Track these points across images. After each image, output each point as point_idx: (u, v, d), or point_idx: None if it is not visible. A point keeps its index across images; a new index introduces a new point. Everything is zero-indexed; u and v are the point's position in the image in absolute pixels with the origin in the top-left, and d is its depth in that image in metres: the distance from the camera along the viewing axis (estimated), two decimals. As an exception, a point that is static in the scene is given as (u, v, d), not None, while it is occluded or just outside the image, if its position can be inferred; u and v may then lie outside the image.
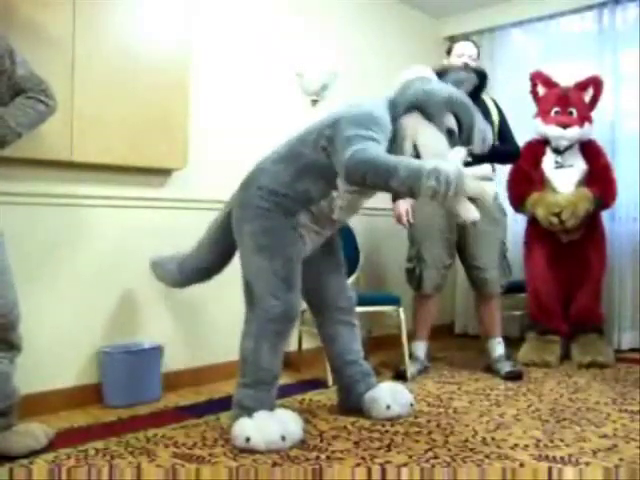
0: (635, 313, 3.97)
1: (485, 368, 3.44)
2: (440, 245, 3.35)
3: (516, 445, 2.23)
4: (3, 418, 2.11)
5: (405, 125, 2.26)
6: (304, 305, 3.35)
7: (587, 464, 2.04)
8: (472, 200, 2.13)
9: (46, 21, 2.49)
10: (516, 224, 4.07)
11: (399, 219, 3.39)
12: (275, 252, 2.28)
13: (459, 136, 2.24)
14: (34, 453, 2.09)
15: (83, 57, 2.61)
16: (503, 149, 3.42)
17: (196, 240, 3.15)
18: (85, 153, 2.64)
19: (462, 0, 4.46)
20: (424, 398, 2.86)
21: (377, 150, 2.10)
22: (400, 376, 3.21)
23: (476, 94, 2.29)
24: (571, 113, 3.71)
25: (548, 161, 3.74)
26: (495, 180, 2.12)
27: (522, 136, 3.66)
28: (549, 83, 3.83)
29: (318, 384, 3.11)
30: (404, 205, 3.36)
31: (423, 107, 2.23)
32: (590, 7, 4.16)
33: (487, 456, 2.11)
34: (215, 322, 3.18)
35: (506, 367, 3.31)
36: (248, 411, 2.23)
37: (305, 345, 3.54)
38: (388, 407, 2.51)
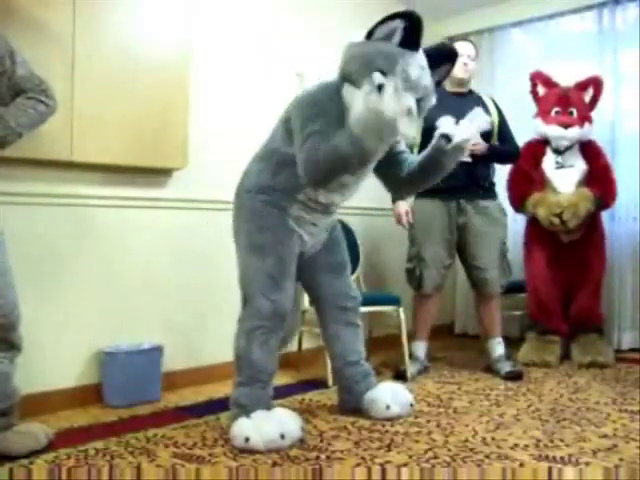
0: (635, 313, 3.97)
1: (485, 368, 3.44)
2: (440, 245, 3.35)
3: (516, 445, 2.23)
4: (3, 418, 2.10)
5: (344, 98, 2.25)
6: (305, 305, 3.36)
7: (587, 464, 2.04)
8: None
9: (46, 21, 2.49)
10: (516, 224, 4.07)
11: (399, 220, 3.39)
12: (267, 251, 2.30)
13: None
14: (34, 453, 2.09)
15: (83, 57, 2.61)
16: (503, 149, 3.43)
17: (196, 240, 3.16)
18: (85, 153, 2.64)
19: (462, 0, 4.46)
20: (424, 398, 2.86)
21: (323, 146, 2.13)
22: (400, 376, 3.21)
23: (413, 39, 2.19)
24: (571, 113, 3.71)
25: (548, 161, 3.74)
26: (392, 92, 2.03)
27: (522, 136, 3.66)
28: (549, 83, 3.83)
29: (318, 384, 3.11)
30: (404, 206, 3.36)
31: (348, 78, 2.23)
32: (590, 7, 4.16)
33: (487, 456, 2.11)
34: (215, 322, 3.17)
35: (506, 367, 3.31)
36: (245, 409, 2.23)
37: (305, 345, 3.54)
38: (388, 407, 2.51)
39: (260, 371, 2.28)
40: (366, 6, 3.98)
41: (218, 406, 2.64)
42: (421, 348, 3.43)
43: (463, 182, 3.28)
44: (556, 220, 3.53)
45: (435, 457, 2.10)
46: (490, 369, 3.39)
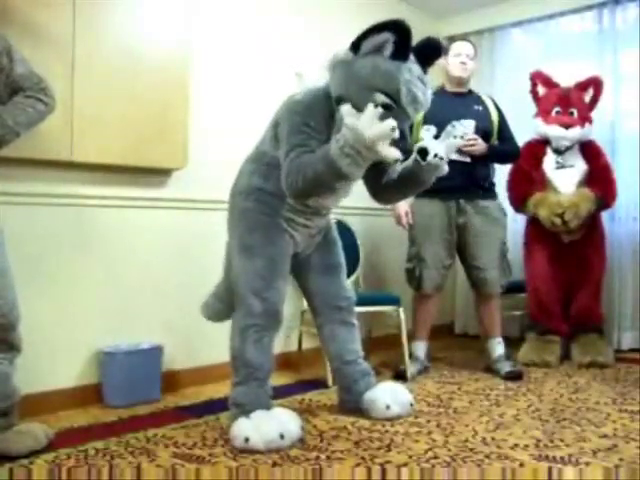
0: (635, 313, 3.96)
1: (485, 368, 3.44)
2: (440, 245, 3.35)
3: (516, 445, 2.23)
4: (3, 418, 2.10)
5: (342, 115, 2.17)
6: (304, 305, 3.36)
7: (587, 464, 2.04)
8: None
9: (46, 21, 2.49)
10: (516, 224, 4.07)
11: (398, 220, 3.39)
12: (258, 252, 2.30)
13: (398, 105, 2.18)
14: (34, 453, 2.09)
15: (83, 57, 2.61)
16: (502, 149, 3.42)
17: (196, 240, 3.16)
18: (85, 153, 2.64)
19: (462, 0, 4.46)
20: (424, 398, 2.86)
21: (305, 160, 2.12)
22: (400, 376, 3.21)
23: (404, 51, 2.17)
24: (572, 113, 3.71)
25: (549, 161, 3.73)
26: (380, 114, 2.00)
27: (522, 136, 3.66)
28: (549, 83, 3.83)
29: (318, 384, 3.11)
30: (403, 206, 3.36)
31: (348, 100, 2.17)
32: (590, 7, 4.16)
33: (487, 456, 2.11)
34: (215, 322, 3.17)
35: (506, 367, 3.31)
36: (243, 408, 2.23)
37: (305, 345, 3.54)
38: (388, 407, 2.51)
39: (256, 369, 2.28)
40: (366, 6, 3.98)
41: (218, 406, 2.64)
42: (421, 348, 3.43)
43: (463, 182, 3.28)
44: (558, 220, 3.53)
45: (435, 457, 2.10)
46: (490, 369, 3.39)
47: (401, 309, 3.30)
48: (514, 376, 3.24)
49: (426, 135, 2.34)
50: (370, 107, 2.00)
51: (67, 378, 2.70)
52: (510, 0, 4.42)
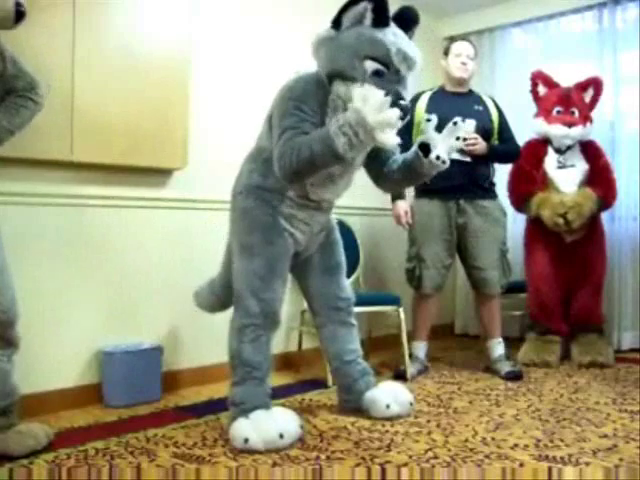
0: (635, 313, 3.96)
1: (485, 368, 3.44)
2: (440, 245, 3.35)
3: (516, 445, 2.23)
4: (4, 417, 2.10)
5: (337, 94, 2.21)
6: (304, 305, 3.36)
7: (587, 464, 2.04)
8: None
9: (46, 21, 2.49)
10: (516, 224, 4.07)
11: (398, 220, 3.39)
12: (256, 252, 2.30)
13: (389, 69, 2.18)
14: (34, 453, 2.09)
15: (83, 57, 2.61)
16: (503, 148, 3.42)
17: (196, 240, 3.16)
18: (85, 153, 2.64)
19: (462, 0, 4.46)
20: (424, 398, 2.86)
21: (298, 141, 2.13)
22: (400, 376, 3.21)
23: (383, 16, 2.16)
24: (573, 113, 3.71)
25: (550, 161, 3.72)
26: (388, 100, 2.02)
27: (522, 136, 3.66)
28: (550, 83, 3.83)
29: (318, 384, 3.11)
30: (403, 206, 3.36)
31: (338, 74, 2.18)
32: (590, 7, 4.16)
33: (487, 456, 2.11)
34: (215, 322, 3.17)
35: (506, 367, 3.31)
36: (240, 407, 2.23)
37: (305, 345, 3.54)
38: (388, 406, 2.51)
39: (253, 368, 2.28)
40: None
41: (218, 406, 2.64)
42: (421, 348, 3.43)
43: (463, 182, 3.28)
44: (560, 221, 3.52)
45: (435, 457, 2.10)
46: (490, 369, 3.39)
47: (401, 309, 3.30)
48: (514, 376, 3.24)
49: (428, 127, 2.33)
50: (380, 94, 2.00)
51: (67, 378, 2.70)
52: (510, 0, 4.42)
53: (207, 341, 3.14)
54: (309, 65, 2.36)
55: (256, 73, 3.41)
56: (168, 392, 2.92)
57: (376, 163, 2.46)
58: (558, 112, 3.72)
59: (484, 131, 3.31)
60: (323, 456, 2.11)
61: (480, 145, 3.24)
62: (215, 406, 2.69)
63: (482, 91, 3.64)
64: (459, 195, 3.33)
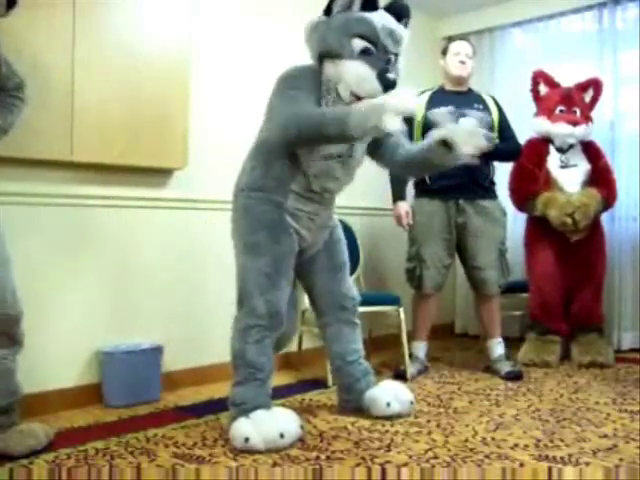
0: (635, 313, 3.96)
1: (485, 368, 3.44)
2: (439, 245, 3.35)
3: (516, 445, 2.23)
4: (6, 416, 2.11)
5: (328, 76, 2.28)
6: (305, 305, 3.36)
7: (587, 464, 2.04)
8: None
9: (46, 21, 2.49)
10: (516, 224, 4.07)
11: (399, 221, 3.39)
12: (262, 250, 2.30)
13: (377, 48, 2.24)
14: (34, 453, 2.09)
15: (83, 57, 2.61)
16: (504, 147, 3.41)
17: (196, 240, 3.16)
18: (85, 153, 2.64)
19: (462, 0, 4.46)
20: (424, 398, 2.86)
21: (302, 107, 2.18)
22: (400, 376, 3.21)
23: (372, 2, 2.26)
24: (575, 112, 3.71)
25: (553, 160, 3.71)
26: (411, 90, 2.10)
27: (522, 135, 3.65)
28: (551, 82, 3.82)
29: (318, 384, 3.11)
30: (404, 206, 3.36)
31: (327, 54, 2.27)
32: (590, 7, 4.16)
33: (487, 456, 2.11)
34: (215, 322, 3.17)
35: (506, 367, 3.31)
36: (241, 407, 2.23)
37: (305, 345, 3.54)
38: (388, 404, 2.51)
39: (257, 370, 2.27)
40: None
41: (218, 406, 2.64)
42: (421, 348, 3.43)
43: (463, 181, 3.28)
44: (569, 220, 3.52)
45: (435, 457, 2.10)
46: (490, 369, 3.39)
47: (401, 309, 3.30)
48: (514, 376, 3.24)
49: (440, 117, 2.33)
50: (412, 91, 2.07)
51: (67, 378, 2.70)
52: (510, 0, 4.42)
53: (207, 341, 3.14)
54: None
55: (256, 73, 3.41)
56: (168, 392, 2.92)
57: (381, 147, 2.49)
58: (561, 111, 3.72)
59: (487, 127, 3.30)
60: (323, 456, 2.11)
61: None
62: (215, 406, 2.69)
63: (482, 91, 3.63)
64: (459, 195, 3.33)
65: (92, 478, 1.91)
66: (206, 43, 3.20)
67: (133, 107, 2.77)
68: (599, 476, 1.94)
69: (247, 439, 2.12)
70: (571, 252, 3.67)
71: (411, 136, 3.13)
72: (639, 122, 3.92)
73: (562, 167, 3.69)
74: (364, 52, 2.22)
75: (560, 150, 3.71)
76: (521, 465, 2.03)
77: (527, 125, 3.86)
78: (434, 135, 2.38)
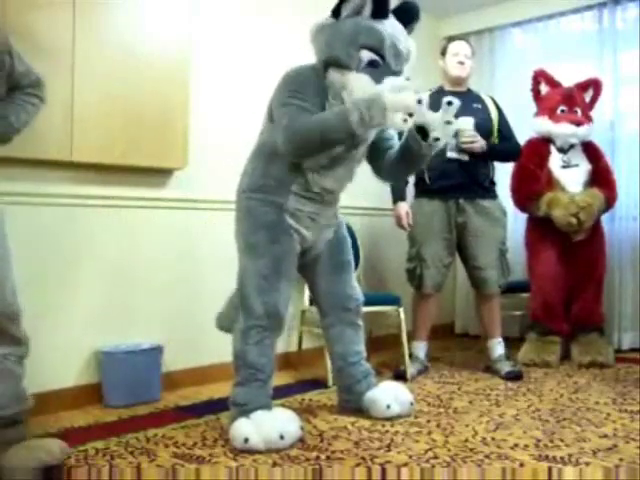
0: (635, 313, 3.96)
1: (485, 368, 3.44)
2: (440, 244, 3.35)
3: (516, 445, 2.23)
4: (12, 428, 1.91)
5: (332, 82, 2.25)
6: (305, 304, 3.36)
7: (587, 464, 2.04)
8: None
9: (46, 21, 2.49)
10: (516, 224, 4.07)
11: (399, 221, 3.39)
12: (261, 251, 2.29)
13: (384, 60, 2.21)
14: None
15: (83, 58, 2.61)
16: (503, 147, 3.42)
17: (196, 240, 3.16)
18: (85, 153, 2.64)
19: (462, 0, 4.46)
20: (424, 398, 2.86)
21: (303, 117, 2.16)
22: (400, 376, 3.21)
23: (383, 8, 2.21)
24: (576, 112, 3.71)
25: (554, 161, 3.71)
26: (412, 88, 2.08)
27: (522, 135, 3.65)
28: (552, 82, 3.82)
29: (318, 384, 3.11)
30: (404, 207, 3.36)
31: (334, 63, 2.22)
32: (590, 7, 4.17)
33: (487, 456, 2.11)
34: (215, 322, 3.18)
35: (506, 367, 3.31)
36: (242, 407, 2.23)
37: (305, 345, 3.54)
38: (388, 406, 2.51)
39: (257, 371, 2.27)
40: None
41: (218, 406, 2.64)
42: (421, 348, 3.43)
43: (462, 181, 3.28)
44: (574, 220, 3.51)
45: (435, 457, 2.10)
46: (490, 369, 3.39)
47: (401, 309, 3.30)
48: (514, 376, 3.24)
49: (449, 110, 2.26)
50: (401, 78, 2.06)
51: (67, 378, 2.70)
52: (510, 0, 4.43)
53: (207, 341, 3.14)
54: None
55: (256, 73, 3.41)
56: (168, 392, 2.92)
57: (376, 153, 2.47)
58: (562, 111, 3.71)
59: (483, 130, 3.30)
60: (323, 456, 2.11)
61: (479, 143, 3.24)
62: (215, 406, 2.69)
63: (482, 91, 3.63)
64: (459, 194, 3.33)
65: (92, 478, 1.91)
66: (206, 43, 3.20)
67: (133, 107, 2.77)
68: (599, 476, 1.94)
69: (247, 439, 2.12)
70: (572, 252, 3.66)
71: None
72: (639, 122, 3.92)
73: (564, 167, 3.68)
74: (371, 64, 2.19)
75: (561, 150, 3.71)
76: (521, 465, 2.03)
77: (527, 125, 3.86)
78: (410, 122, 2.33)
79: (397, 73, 2.23)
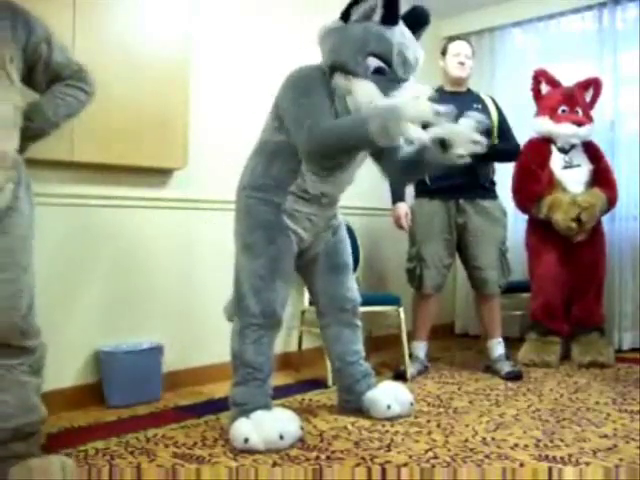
0: (635, 313, 3.96)
1: (485, 368, 3.44)
2: (440, 245, 3.35)
3: (516, 445, 2.23)
4: (20, 442, 1.79)
5: (338, 85, 2.23)
6: (305, 305, 3.36)
7: (587, 464, 2.04)
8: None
9: (46, 21, 2.48)
10: (516, 224, 4.07)
11: (398, 222, 3.38)
12: (258, 251, 2.29)
13: (391, 68, 2.19)
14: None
15: (83, 57, 2.59)
16: (503, 147, 3.41)
17: (196, 240, 3.16)
18: (86, 153, 2.64)
19: (462, 0, 4.46)
20: (424, 398, 2.86)
21: (325, 121, 2.14)
22: (400, 376, 3.21)
23: (393, 14, 2.19)
24: (577, 112, 3.71)
25: (556, 161, 3.69)
26: (430, 95, 2.06)
27: (522, 135, 3.65)
28: (553, 82, 3.82)
29: (318, 384, 3.11)
30: (403, 208, 3.36)
31: (340, 68, 2.21)
32: (590, 7, 4.17)
33: (487, 456, 2.11)
34: (215, 322, 3.17)
35: (506, 367, 3.31)
36: (242, 407, 2.23)
37: (305, 345, 3.54)
38: (388, 407, 2.51)
39: (255, 370, 2.28)
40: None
41: (218, 406, 2.64)
42: (421, 348, 3.43)
43: (463, 181, 3.28)
44: (574, 225, 3.49)
45: (435, 457, 2.10)
46: (490, 369, 3.39)
47: (401, 309, 3.30)
48: (514, 376, 3.24)
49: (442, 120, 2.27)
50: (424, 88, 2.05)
51: (67, 378, 2.70)
52: (510, 0, 4.43)
53: (207, 341, 3.14)
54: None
55: (256, 73, 3.41)
56: (168, 392, 2.92)
57: (385, 155, 2.45)
58: (563, 111, 3.71)
59: (483, 130, 3.29)
60: (323, 456, 2.11)
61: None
62: (215, 406, 2.69)
63: (482, 91, 3.63)
64: (459, 194, 3.33)
65: (92, 478, 1.91)
66: (206, 43, 3.20)
67: (133, 107, 2.77)
68: (599, 476, 1.94)
69: (247, 439, 2.12)
70: (573, 253, 3.66)
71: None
72: (639, 122, 3.91)
73: (565, 167, 3.67)
74: (378, 71, 2.17)
75: (562, 150, 3.70)
76: (521, 465, 2.03)
77: (527, 125, 3.86)
78: (432, 134, 2.36)
79: (404, 81, 2.23)
